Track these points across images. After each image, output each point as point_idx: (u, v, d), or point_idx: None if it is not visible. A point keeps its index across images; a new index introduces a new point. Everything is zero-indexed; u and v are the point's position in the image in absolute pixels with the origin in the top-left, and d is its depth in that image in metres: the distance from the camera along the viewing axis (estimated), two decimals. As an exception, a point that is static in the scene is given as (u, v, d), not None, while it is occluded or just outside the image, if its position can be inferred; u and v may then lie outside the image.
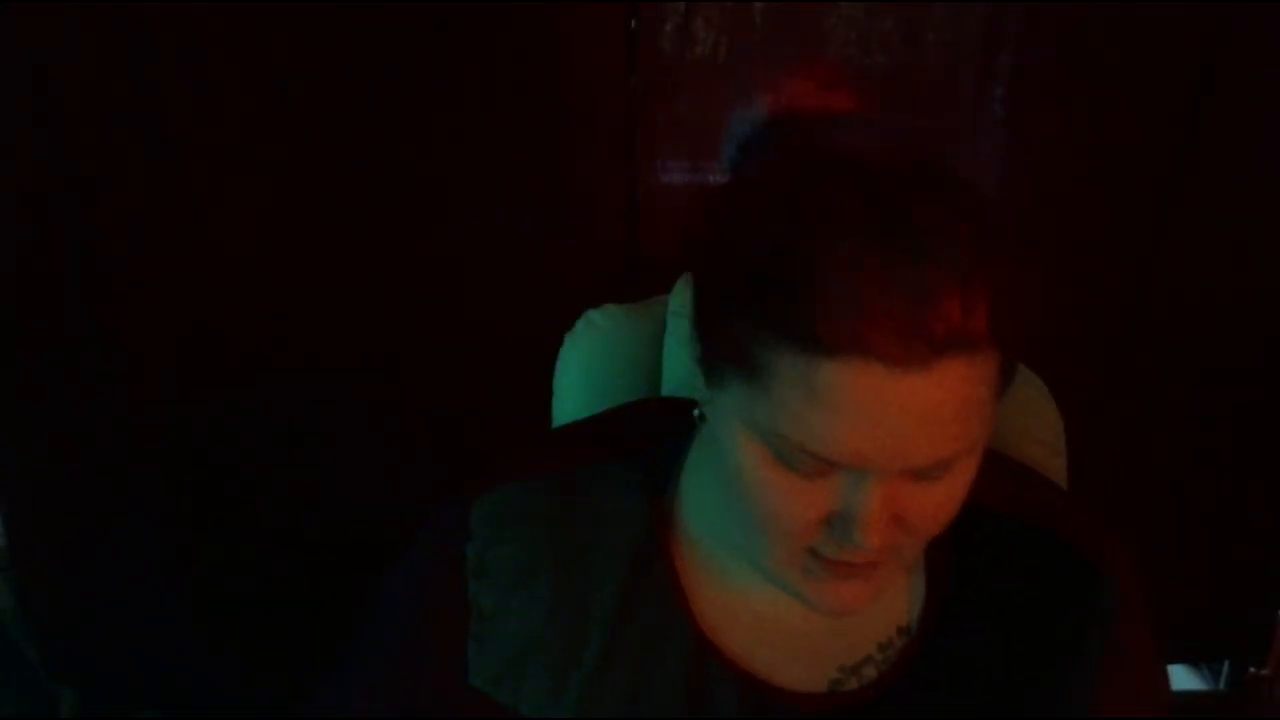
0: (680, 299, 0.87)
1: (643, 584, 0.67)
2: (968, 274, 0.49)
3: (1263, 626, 1.59)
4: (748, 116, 0.61)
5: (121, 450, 1.52)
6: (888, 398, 0.49)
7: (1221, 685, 1.82)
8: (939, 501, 0.56)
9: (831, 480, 0.54)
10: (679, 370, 0.87)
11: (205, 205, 1.39)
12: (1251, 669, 1.49)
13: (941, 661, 0.67)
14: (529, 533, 0.68)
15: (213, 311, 1.45)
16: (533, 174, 1.40)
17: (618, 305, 0.95)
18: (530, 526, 0.68)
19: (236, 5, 1.28)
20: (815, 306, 0.49)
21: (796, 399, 0.51)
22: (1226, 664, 1.82)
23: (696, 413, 0.62)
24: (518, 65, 1.34)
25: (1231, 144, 1.42)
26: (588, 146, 1.39)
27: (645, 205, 1.41)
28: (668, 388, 0.89)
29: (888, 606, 0.68)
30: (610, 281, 1.44)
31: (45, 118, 1.33)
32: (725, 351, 0.55)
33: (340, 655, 0.74)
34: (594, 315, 0.95)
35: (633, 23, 1.32)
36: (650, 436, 0.70)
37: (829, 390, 0.50)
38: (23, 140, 1.34)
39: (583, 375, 0.93)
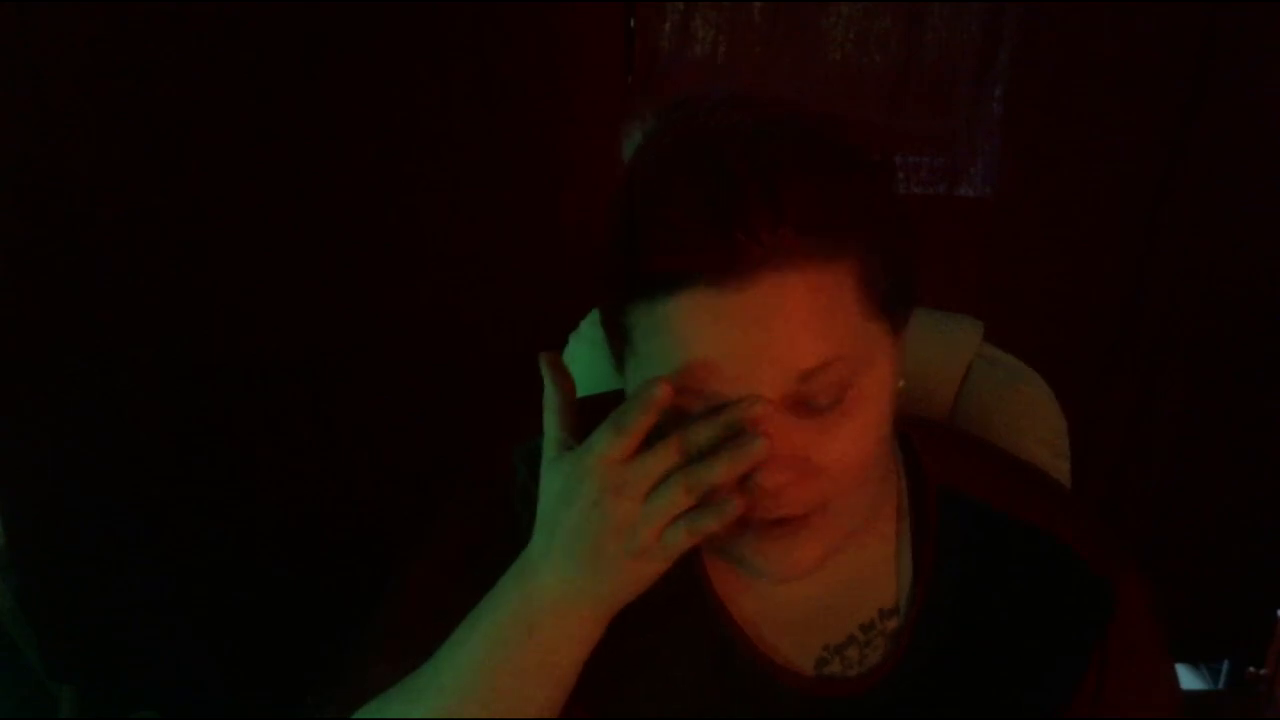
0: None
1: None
2: (775, 185, 0.52)
3: (1263, 626, 1.58)
4: (636, 121, 0.63)
5: (120, 451, 1.52)
6: (727, 316, 0.52)
7: (1221, 685, 1.82)
8: (842, 436, 0.56)
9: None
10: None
11: (204, 206, 1.39)
12: (1251, 669, 1.48)
13: (929, 654, 0.67)
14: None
15: (212, 312, 1.45)
16: (530, 173, 1.40)
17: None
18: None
19: (235, 6, 1.28)
20: (639, 252, 0.53)
21: (654, 347, 0.54)
22: (1226, 664, 1.82)
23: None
24: (516, 64, 1.34)
25: (1225, 144, 1.42)
26: (586, 145, 1.39)
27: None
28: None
29: (867, 586, 0.68)
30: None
31: (45, 118, 1.33)
32: (611, 334, 0.59)
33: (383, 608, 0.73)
34: (596, 316, 0.95)
35: (631, 21, 1.33)
36: None
37: (672, 326, 0.53)
38: (22, 141, 1.34)
39: (588, 375, 0.93)
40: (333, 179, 1.39)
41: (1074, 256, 1.48)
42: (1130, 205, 1.46)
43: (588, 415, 0.72)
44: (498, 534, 0.68)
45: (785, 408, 0.55)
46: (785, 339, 0.53)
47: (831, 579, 0.67)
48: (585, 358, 0.93)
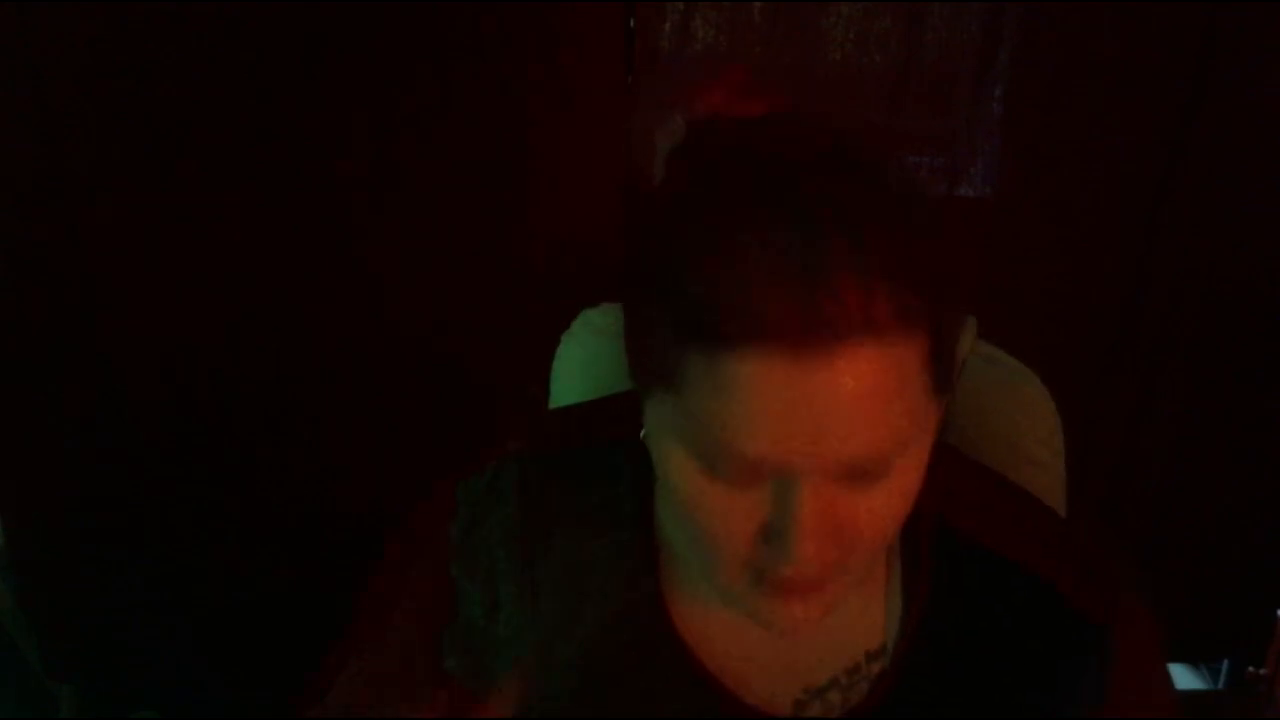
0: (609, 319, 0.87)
1: (631, 593, 0.66)
2: (869, 257, 0.47)
3: (1263, 626, 1.59)
4: (668, 132, 0.60)
5: (120, 451, 1.52)
6: (793, 387, 0.48)
7: (1221, 685, 1.82)
8: (877, 509, 0.54)
9: (762, 490, 0.53)
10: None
11: (203, 206, 1.39)
12: (1251, 669, 1.48)
13: (914, 696, 0.64)
14: (511, 514, 0.67)
15: (210, 312, 1.45)
16: (530, 172, 1.40)
17: (614, 304, 0.95)
18: (512, 509, 0.67)
19: (235, 6, 1.28)
20: (710, 301, 0.48)
21: (708, 398, 0.50)
22: (1226, 664, 1.82)
23: (643, 433, 0.60)
24: (516, 64, 1.34)
25: (1225, 144, 1.42)
26: (585, 145, 1.39)
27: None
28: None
29: (855, 628, 0.66)
30: (606, 280, 1.44)
31: (45, 118, 1.33)
32: (647, 365, 0.54)
33: (334, 648, 0.74)
34: (591, 314, 0.95)
35: (631, 21, 1.33)
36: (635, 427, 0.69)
37: (734, 384, 0.49)
38: (22, 141, 1.34)
39: (580, 375, 0.93)
40: (332, 179, 1.39)
41: (1074, 256, 1.48)
42: (1130, 205, 1.46)
43: (622, 410, 0.71)
44: (427, 626, 0.67)
45: (828, 478, 0.52)
46: (851, 420, 0.49)
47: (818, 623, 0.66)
48: (578, 359, 0.93)
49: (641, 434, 0.60)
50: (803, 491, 0.51)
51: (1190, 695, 1.81)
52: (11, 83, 1.31)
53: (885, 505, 0.54)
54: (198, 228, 1.40)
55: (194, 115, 1.34)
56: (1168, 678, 0.69)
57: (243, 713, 1.67)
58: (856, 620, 0.65)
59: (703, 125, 0.58)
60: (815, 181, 0.49)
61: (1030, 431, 0.85)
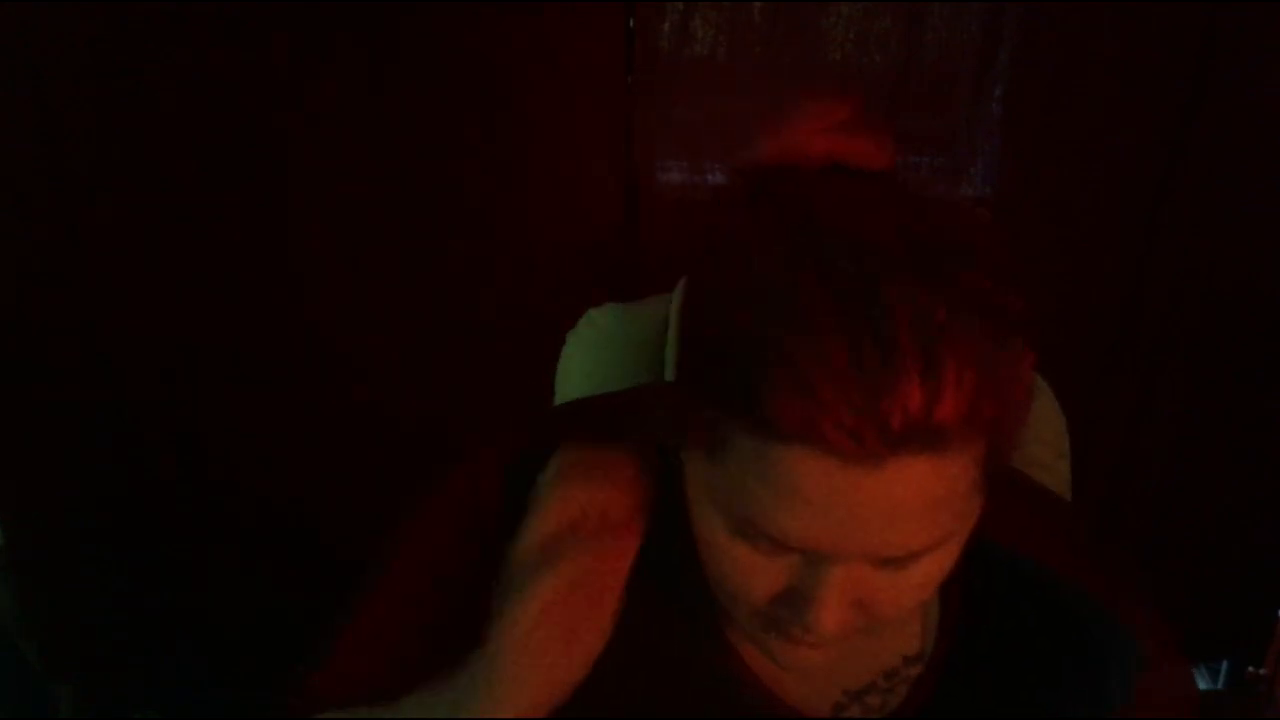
0: (679, 300, 0.87)
1: (671, 590, 0.65)
2: (938, 365, 0.45)
3: (1263, 626, 1.58)
4: (749, 157, 0.56)
5: (120, 451, 1.52)
6: (842, 489, 0.47)
7: (1221, 685, 1.82)
8: (906, 590, 0.53)
9: (790, 559, 0.52)
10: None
11: (204, 206, 1.39)
12: (1251, 669, 1.48)
13: (951, 699, 0.65)
14: (563, 509, 0.65)
15: (210, 312, 1.45)
16: (530, 172, 1.40)
17: (619, 304, 0.96)
18: (565, 504, 0.65)
19: (235, 6, 1.28)
20: (770, 390, 0.46)
21: (751, 479, 0.49)
22: (1226, 664, 1.82)
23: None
24: (515, 64, 1.34)
25: (1225, 144, 1.42)
26: (585, 145, 1.39)
27: (643, 204, 1.41)
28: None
29: (893, 633, 0.66)
30: (609, 280, 1.44)
31: (45, 118, 1.33)
32: (692, 423, 0.52)
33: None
34: (595, 314, 0.95)
35: (630, 21, 1.32)
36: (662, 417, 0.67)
37: (781, 475, 0.47)
38: (21, 141, 1.34)
39: (585, 374, 0.93)
40: (332, 179, 1.39)
41: (1074, 256, 1.48)
42: (1130, 205, 1.46)
43: (598, 416, 0.72)
44: (466, 563, 0.65)
45: (863, 563, 0.51)
46: (897, 525, 0.48)
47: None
48: (583, 359, 0.93)
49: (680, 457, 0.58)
50: (834, 572, 0.51)
51: (1190, 695, 1.81)
52: (11, 83, 1.31)
53: (914, 587, 0.53)
54: (198, 228, 1.40)
55: (194, 116, 1.34)
56: (1194, 681, 0.70)
57: (243, 713, 1.67)
58: (895, 626, 0.65)
59: (777, 176, 0.54)
60: (895, 286, 0.46)
61: (1035, 434, 0.86)
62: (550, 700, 0.58)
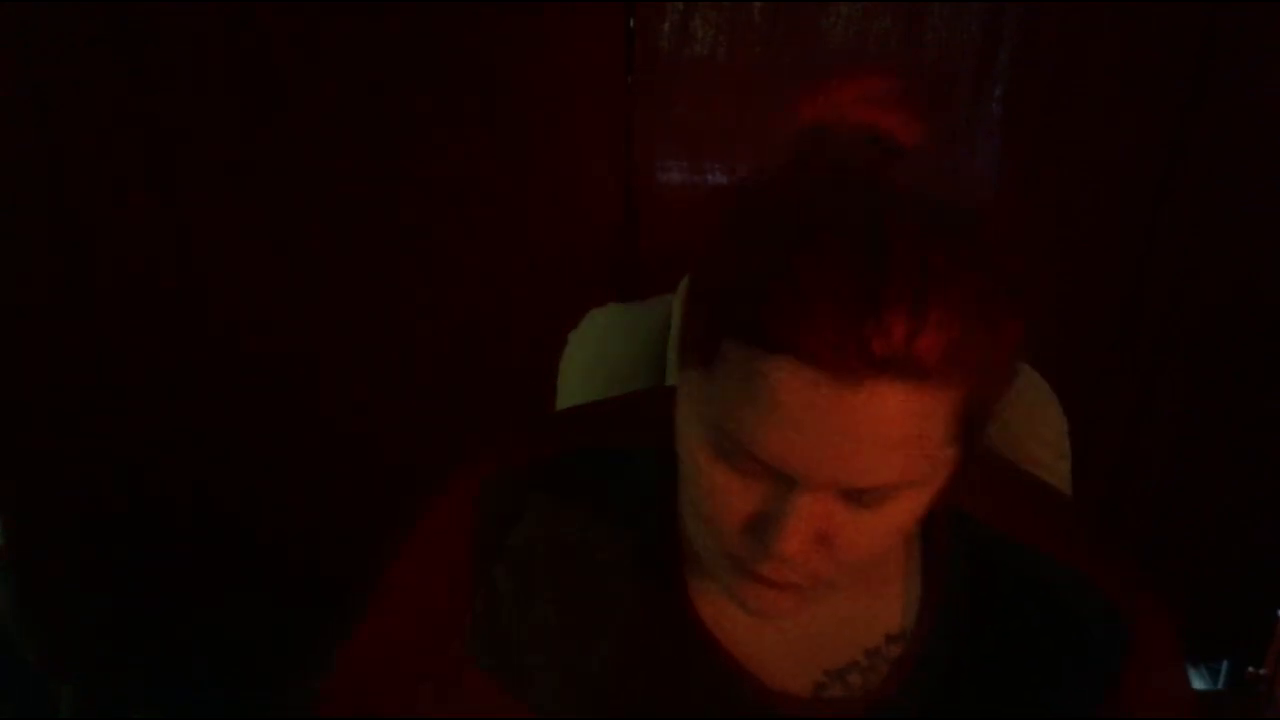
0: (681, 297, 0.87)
1: (646, 581, 0.68)
2: (926, 301, 0.47)
3: (1263, 626, 1.58)
4: (785, 122, 0.60)
5: (120, 451, 1.52)
6: (819, 406, 0.49)
7: (1221, 685, 1.82)
8: (871, 532, 0.54)
9: (763, 484, 0.54)
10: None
11: (204, 207, 1.39)
12: (1251, 669, 1.48)
13: (931, 678, 0.65)
14: (541, 517, 0.68)
15: (213, 313, 1.45)
16: (530, 173, 1.40)
17: (620, 304, 0.95)
18: (542, 511, 0.68)
19: (235, 6, 1.28)
20: (765, 300, 0.49)
21: (736, 391, 0.51)
22: (1226, 664, 1.82)
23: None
24: (515, 64, 1.34)
25: (1225, 144, 1.42)
26: (585, 145, 1.39)
27: (643, 204, 1.41)
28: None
29: (874, 611, 0.67)
30: (610, 280, 1.44)
31: (45, 118, 1.33)
32: (690, 338, 0.55)
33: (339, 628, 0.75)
34: (596, 315, 0.95)
35: (631, 21, 1.32)
36: (663, 426, 0.69)
37: (765, 386, 0.50)
38: (21, 141, 1.34)
39: (586, 374, 0.93)
40: (332, 180, 1.39)
41: (1074, 256, 1.48)
42: (1130, 205, 1.46)
43: (643, 410, 0.73)
44: (453, 615, 0.68)
45: (831, 491, 0.53)
46: (868, 451, 0.50)
47: (836, 607, 0.66)
48: (585, 360, 0.93)
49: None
50: (800, 497, 0.52)
51: (1190, 695, 1.81)
52: (11, 83, 1.31)
53: (876, 530, 0.55)
54: (198, 229, 1.40)
55: (194, 116, 1.34)
56: (1185, 672, 0.69)
57: (242, 713, 1.67)
58: (876, 604, 0.67)
59: (814, 128, 0.57)
60: (899, 221, 0.49)
61: (1036, 434, 0.85)
62: None
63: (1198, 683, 1.85)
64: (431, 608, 0.70)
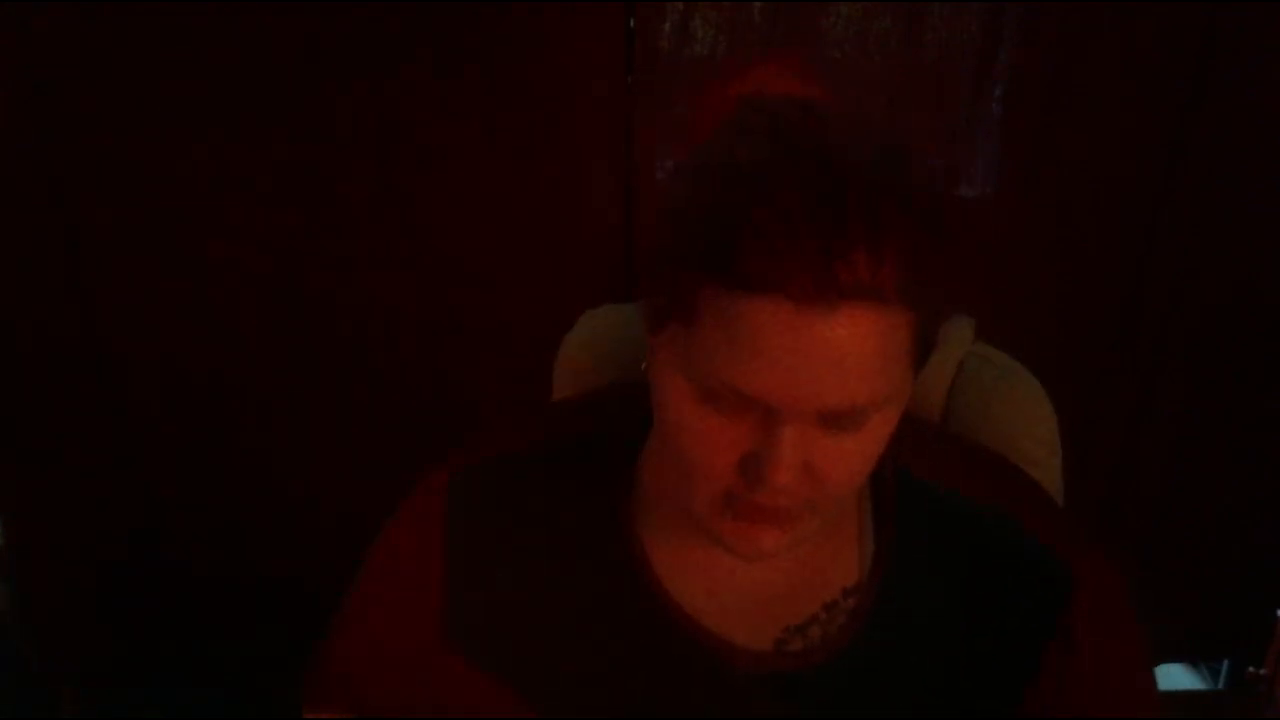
0: None
1: (605, 551, 0.71)
2: (881, 231, 0.53)
3: (1263, 626, 1.58)
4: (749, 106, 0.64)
5: (120, 451, 1.52)
6: (797, 335, 0.53)
7: (1221, 685, 1.82)
8: (851, 454, 0.59)
9: (748, 421, 0.58)
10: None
11: (204, 208, 1.39)
12: (1251, 669, 1.48)
13: (887, 631, 0.69)
14: (500, 504, 0.73)
15: (212, 313, 1.45)
16: (530, 173, 1.40)
17: (616, 305, 0.95)
18: (501, 498, 0.73)
19: (236, 7, 1.28)
20: (737, 245, 0.53)
21: (717, 334, 0.55)
22: (1226, 664, 1.82)
23: (644, 366, 0.65)
24: (516, 64, 1.34)
25: (1225, 144, 1.42)
26: (585, 145, 1.39)
27: (643, 204, 1.41)
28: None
29: (832, 568, 0.71)
30: (608, 280, 1.44)
31: (45, 118, 1.34)
32: (664, 297, 0.59)
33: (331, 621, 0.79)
34: (592, 315, 0.95)
35: (631, 21, 1.33)
36: (628, 412, 0.74)
37: (745, 325, 0.54)
38: (21, 141, 1.34)
39: (582, 375, 0.93)
40: (333, 181, 1.39)
41: (1074, 256, 1.48)
42: (1130, 205, 1.46)
43: (607, 402, 0.77)
44: (423, 597, 0.73)
45: (811, 420, 0.57)
46: (842, 374, 0.54)
47: (794, 563, 0.70)
48: (581, 359, 0.93)
49: (643, 366, 0.65)
50: (787, 429, 0.56)
51: (1190, 695, 1.81)
52: (11, 83, 1.31)
53: (856, 454, 0.59)
54: (197, 229, 1.40)
55: (194, 116, 1.34)
56: (1136, 625, 0.72)
57: (242, 713, 1.67)
58: (833, 560, 0.71)
59: (756, 97, 0.62)
60: (851, 161, 0.54)
61: (1027, 431, 0.86)
62: None
63: (1198, 683, 1.85)
64: (406, 599, 0.74)
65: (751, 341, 0.54)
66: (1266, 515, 1.65)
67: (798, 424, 0.56)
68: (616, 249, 1.43)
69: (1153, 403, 1.57)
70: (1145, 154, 1.43)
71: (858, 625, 0.69)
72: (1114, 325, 1.53)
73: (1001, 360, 0.88)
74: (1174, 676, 1.85)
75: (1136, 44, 1.37)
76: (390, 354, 1.49)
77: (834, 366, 0.54)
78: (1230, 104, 1.40)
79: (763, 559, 0.63)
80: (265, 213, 1.40)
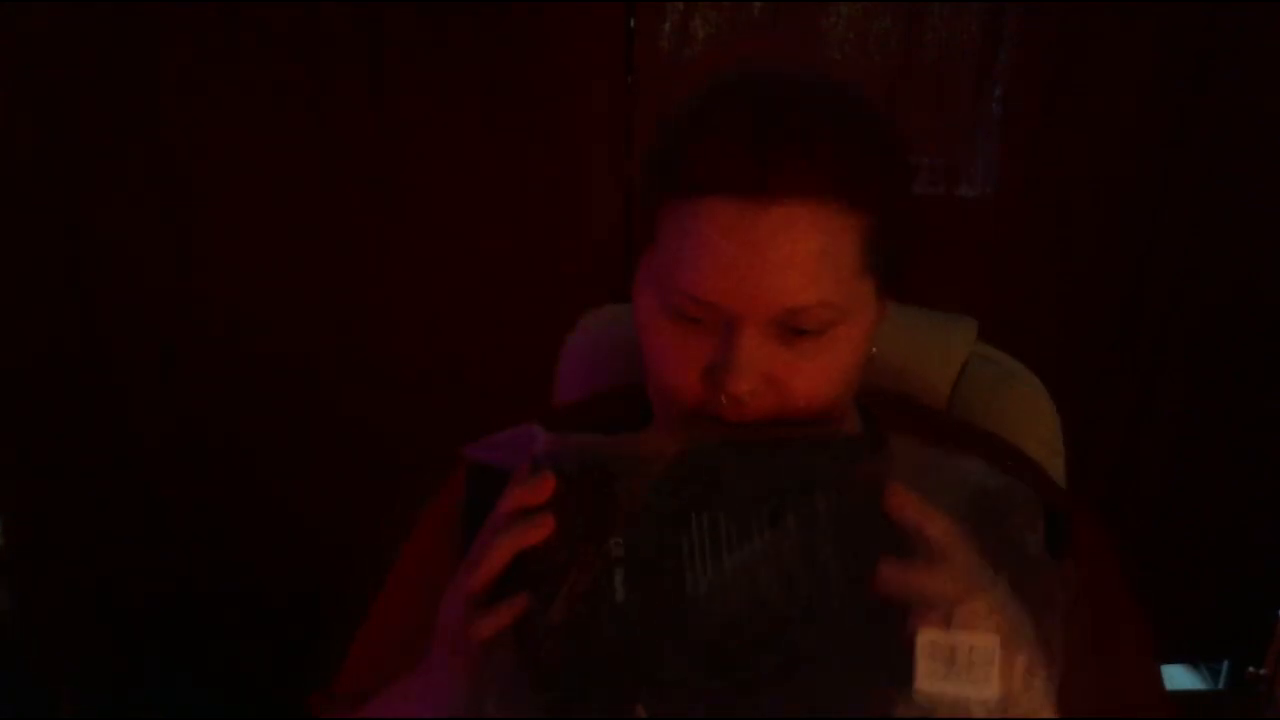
0: None
1: None
2: (813, 133, 0.58)
3: (1263, 626, 1.58)
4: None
5: (120, 451, 1.52)
6: (737, 234, 0.58)
7: (1221, 685, 1.82)
8: (813, 367, 0.62)
9: (709, 332, 0.61)
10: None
11: (204, 207, 1.40)
12: (1251, 669, 1.48)
13: None
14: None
15: (212, 313, 1.45)
16: (530, 173, 1.40)
17: (617, 305, 0.95)
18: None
19: (236, 7, 1.28)
20: (680, 156, 0.60)
21: (671, 242, 0.61)
22: (1226, 664, 1.82)
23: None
24: (516, 64, 1.34)
25: (1225, 143, 1.42)
26: (586, 145, 1.39)
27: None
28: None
29: None
30: (608, 281, 1.44)
31: (44, 118, 1.34)
32: (642, 221, 0.64)
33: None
34: (592, 315, 0.95)
35: (631, 21, 1.33)
36: (630, 413, 0.74)
37: (693, 229, 0.59)
38: (21, 141, 1.34)
39: (583, 376, 0.93)
40: (333, 180, 1.39)
41: (1074, 256, 1.48)
42: (1130, 205, 1.46)
43: (616, 404, 0.77)
44: (449, 552, 0.72)
45: (768, 329, 0.60)
46: (784, 271, 0.58)
47: None
48: (582, 359, 0.93)
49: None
50: (743, 334, 0.60)
51: (1190, 695, 1.81)
52: (11, 83, 1.31)
53: (819, 370, 0.62)
54: (198, 229, 1.40)
55: (195, 116, 1.34)
56: (1123, 577, 0.71)
57: (242, 713, 1.67)
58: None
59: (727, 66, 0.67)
60: (787, 84, 0.61)
61: (1030, 432, 0.86)
62: None
63: (1198, 683, 1.85)
64: (429, 601, 0.72)
65: (700, 243, 0.59)
66: (1266, 515, 1.65)
67: (755, 333, 0.60)
68: (616, 249, 1.43)
69: (1153, 403, 1.57)
70: (1145, 154, 1.43)
71: None
72: (1114, 325, 1.53)
73: (1003, 361, 0.88)
74: (1174, 676, 1.85)
75: (1136, 44, 1.37)
76: (391, 354, 1.49)
77: (780, 266, 0.58)
78: (1230, 104, 1.40)
79: None
80: (265, 213, 1.40)
